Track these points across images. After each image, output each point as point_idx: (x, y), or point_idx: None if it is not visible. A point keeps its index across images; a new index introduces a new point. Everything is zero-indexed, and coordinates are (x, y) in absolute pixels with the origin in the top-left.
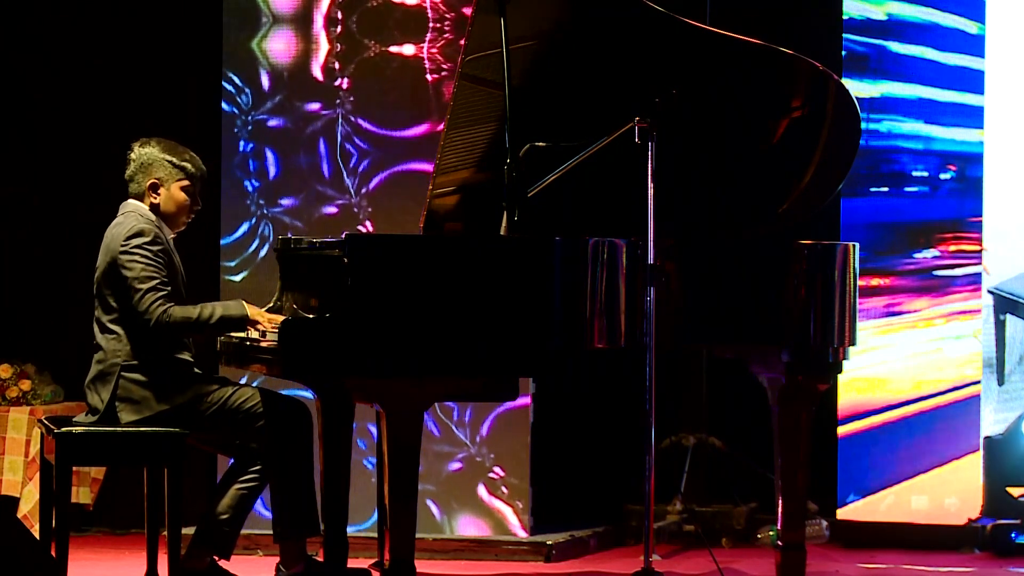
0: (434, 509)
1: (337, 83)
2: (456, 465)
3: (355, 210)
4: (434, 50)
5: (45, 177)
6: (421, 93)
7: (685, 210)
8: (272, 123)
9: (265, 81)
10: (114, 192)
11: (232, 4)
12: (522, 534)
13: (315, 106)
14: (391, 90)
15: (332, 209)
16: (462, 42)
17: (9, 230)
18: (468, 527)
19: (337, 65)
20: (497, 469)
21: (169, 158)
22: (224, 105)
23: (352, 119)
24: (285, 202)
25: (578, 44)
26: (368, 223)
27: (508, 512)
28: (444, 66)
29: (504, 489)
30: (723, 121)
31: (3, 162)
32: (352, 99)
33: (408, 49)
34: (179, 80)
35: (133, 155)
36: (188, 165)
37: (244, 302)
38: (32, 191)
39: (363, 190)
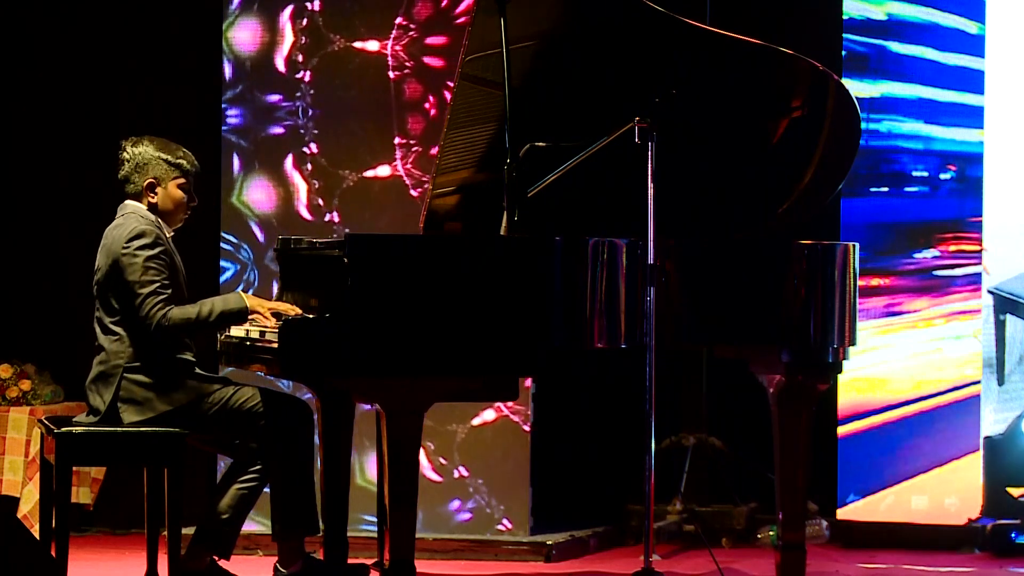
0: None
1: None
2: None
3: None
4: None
5: (45, 176)
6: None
7: (685, 210)
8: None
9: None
10: (113, 190)
11: None
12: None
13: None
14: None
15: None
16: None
17: (8, 229)
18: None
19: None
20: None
21: (164, 156)
22: None
23: (311, 112)
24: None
25: (578, 44)
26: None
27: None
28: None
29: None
30: (723, 121)
31: (6, 162)
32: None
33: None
34: (173, 70)
35: (126, 155)
36: (183, 162)
37: (243, 294)
38: (32, 190)
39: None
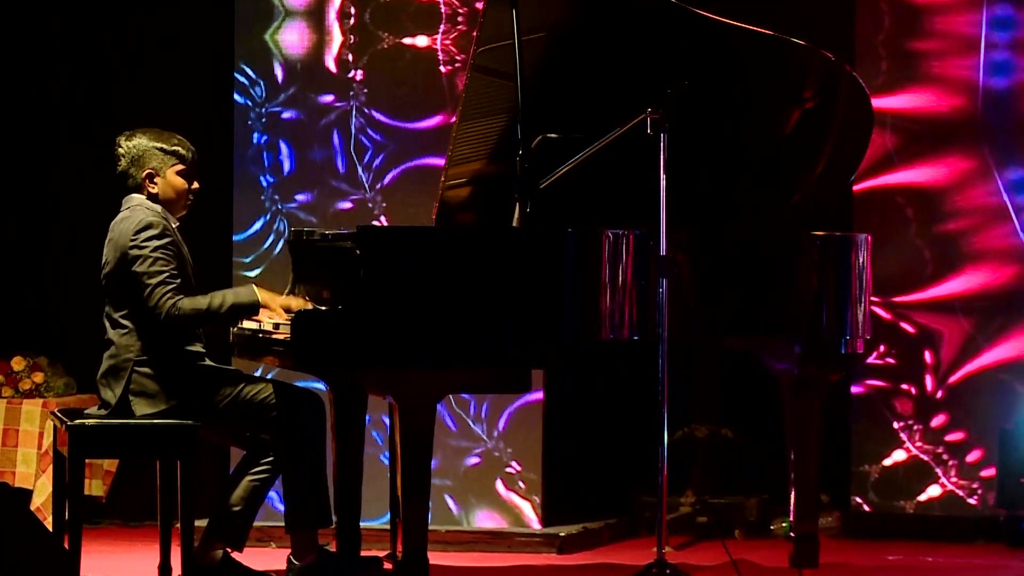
0: (451, 504)
1: (351, 75)
2: (473, 460)
3: (369, 205)
4: (447, 41)
5: (58, 169)
6: (435, 84)
7: (697, 201)
8: (286, 115)
9: (279, 73)
10: (125, 185)
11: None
12: (538, 527)
13: (329, 98)
14: (404, 82)
15: (347, 204)
16: (475, 34)
17: (21, 222)
18: (485, 521)
19: (351, 57)
20: (514, 464)
21: (159, 145)
22: (238, 97)
23: (366, 111)
24: (300, 197)
25: (590, 35)
26: (383, 217)
27: (526, 507)
28: (457, 57)
29: (522, 484)
30: (735, 111)
31: (18, 154)
32: (366, 91)
33: (421, 41)
34: (191, 73)
35: (122, 150)
36: (179, 149)
37: (255, 287)
38: (44, 181)
39: (377, 185)
